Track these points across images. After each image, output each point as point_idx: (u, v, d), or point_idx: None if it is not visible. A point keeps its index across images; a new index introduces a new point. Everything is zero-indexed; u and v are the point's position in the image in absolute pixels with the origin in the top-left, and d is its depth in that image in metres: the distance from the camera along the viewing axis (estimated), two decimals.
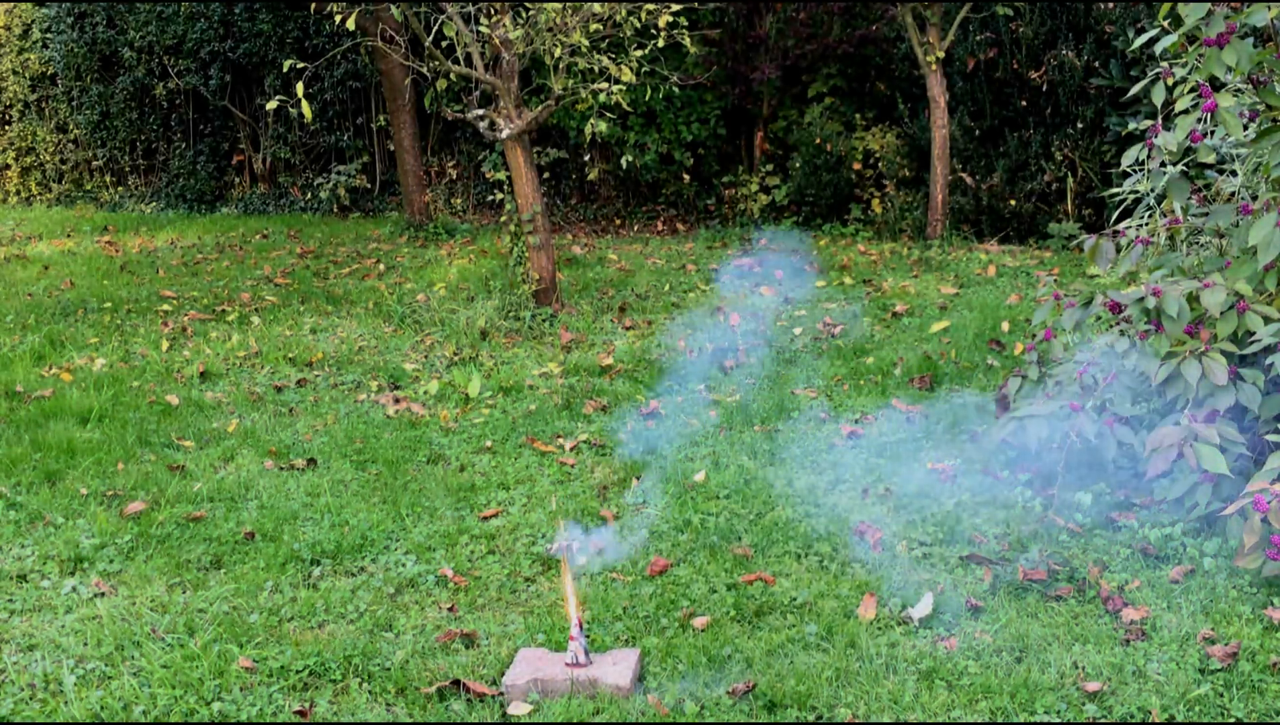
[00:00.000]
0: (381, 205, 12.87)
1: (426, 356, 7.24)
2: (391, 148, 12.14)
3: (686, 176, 11.69)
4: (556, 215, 11.95)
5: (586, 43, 7.32)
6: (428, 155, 12.51)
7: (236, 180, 13.59)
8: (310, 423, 6.10)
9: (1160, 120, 5.13)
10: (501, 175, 8.24)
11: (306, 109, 7.18)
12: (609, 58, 7.48)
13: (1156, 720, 3.34)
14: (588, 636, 3.71)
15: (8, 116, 14.38)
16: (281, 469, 5.45)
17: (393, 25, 8.61)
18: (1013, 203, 10.05)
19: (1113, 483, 4.80)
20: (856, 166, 10.90)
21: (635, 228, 11.78)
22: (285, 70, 7.99)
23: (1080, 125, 9.86)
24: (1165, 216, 5.26)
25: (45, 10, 13.65)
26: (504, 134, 7.73)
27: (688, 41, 7.66)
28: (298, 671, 3.70)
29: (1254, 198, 4.96)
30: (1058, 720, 3.37)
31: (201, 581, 4.34)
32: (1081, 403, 4.71)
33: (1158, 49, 4.81)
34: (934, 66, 9.62)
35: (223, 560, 4.51)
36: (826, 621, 3.89)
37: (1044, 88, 10.09)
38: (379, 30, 8.53)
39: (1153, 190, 5.23)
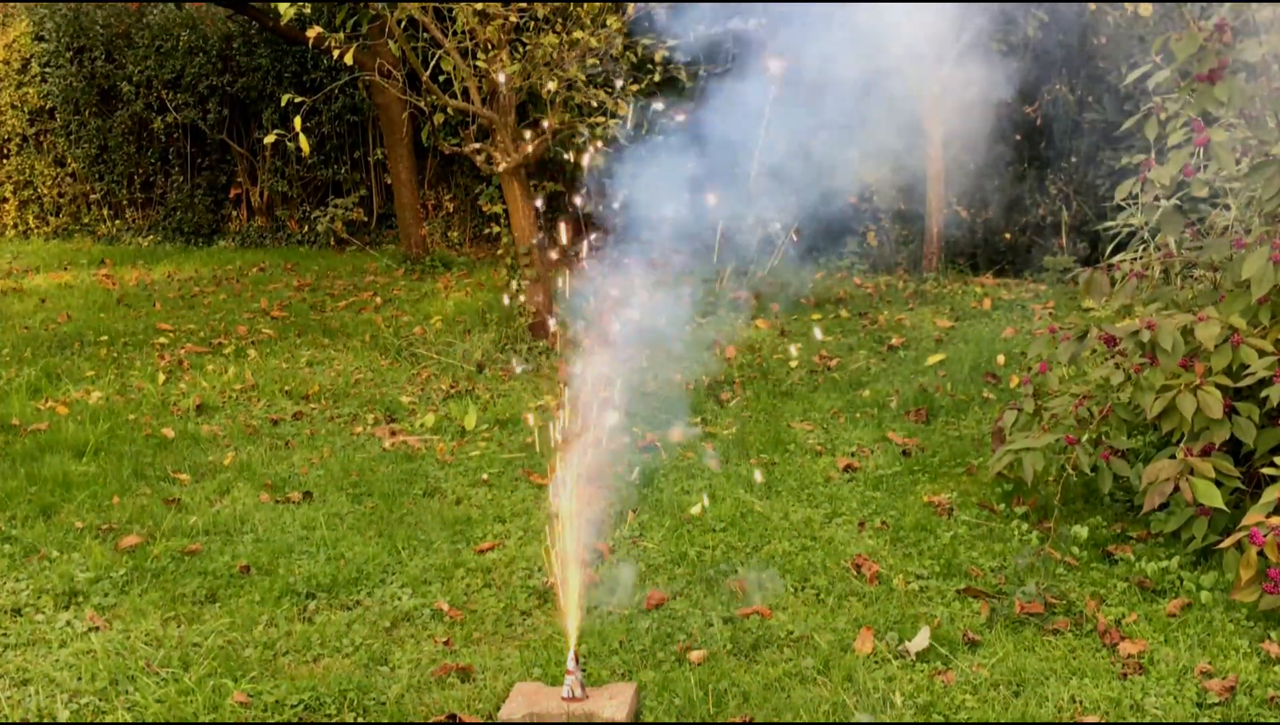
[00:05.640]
0: (378, 238, 12.89)
1: (423, 389, 7.24)
2: (389, 181, 12.18)
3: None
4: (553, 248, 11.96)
5: (583, 77, 7.36)
6: (425, 189, 12.54)
7: (234, 214, 13.62)
8: (306, 456, 6.09)
9: (1153, 154, 5.16)
10: (498, 208, 8.27)
11: (304, 143, 7.20)
12: (605, 92, 7.52)
13: None
14: (584, 670, 3.70)
15: (6, 150, 14.42)
16: (277, 502, 5.44)
17: (390, 60, 8.66)
18: (1008, 236, 10.09)
19: (1109, 516, 4.80)
20: (852, 200, 10.92)
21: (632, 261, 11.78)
22: (283, 104, 7.99)
23: (1074, 159, 9.91)
24: (1159, 250, 5.28)
25: (44, 45, 13.71)
26: (501, 167, 7.76)
27: (683, 75, 7.71)
28: (293, 706, 3.68)
29: (1247, 231, 4.98)
30: None
31: (196, 615, 4.33)
32: (1077, 436, 4.72)
33: (1150, 84, 4.84)
34: (929, 100, 9.66)
35: (218, 594, 4.50)
36: (823, 655, 3.88)
37: (1038, 122, 10.15)
38: (377, 65, 8.56)
39: (1147, 224, 5.26)
